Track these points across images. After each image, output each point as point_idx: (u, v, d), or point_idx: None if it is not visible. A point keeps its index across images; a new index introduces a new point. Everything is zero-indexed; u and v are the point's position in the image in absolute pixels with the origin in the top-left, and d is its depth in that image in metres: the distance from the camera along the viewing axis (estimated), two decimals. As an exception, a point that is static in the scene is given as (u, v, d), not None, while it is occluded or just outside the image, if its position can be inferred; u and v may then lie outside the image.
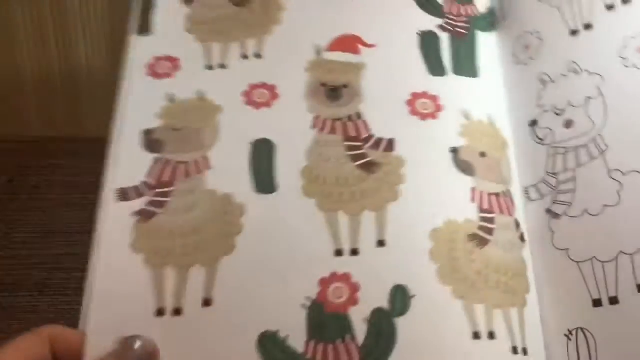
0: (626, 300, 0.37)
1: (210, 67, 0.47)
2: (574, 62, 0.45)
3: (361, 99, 0.45)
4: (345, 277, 0.37)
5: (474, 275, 0.38)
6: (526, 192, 0.44)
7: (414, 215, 0.40)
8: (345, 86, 0.45)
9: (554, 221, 0.41)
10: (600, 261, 0.38)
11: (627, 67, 0.43)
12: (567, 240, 0.40)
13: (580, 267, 0.39)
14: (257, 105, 0.44)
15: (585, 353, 0.37)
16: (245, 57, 0.47)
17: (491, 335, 0.37)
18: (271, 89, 0.45)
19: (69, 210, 0.68)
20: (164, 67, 0.46)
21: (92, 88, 0.76)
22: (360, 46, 0.47)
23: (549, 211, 0.42)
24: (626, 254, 0.38)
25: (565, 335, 0.38)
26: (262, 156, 0.42)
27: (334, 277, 0.37)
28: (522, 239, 0.42)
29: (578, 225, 0.40)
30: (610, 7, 0.45)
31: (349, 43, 0.47)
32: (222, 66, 0.47)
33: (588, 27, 0.46)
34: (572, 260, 0.40)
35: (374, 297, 0.37)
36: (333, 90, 0.45)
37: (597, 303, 0.38)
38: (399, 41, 0.48)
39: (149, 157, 0.42)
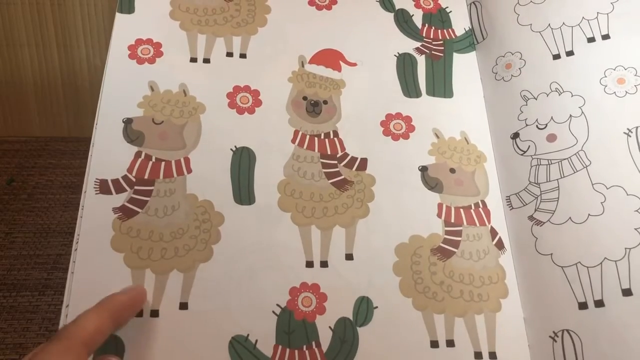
0: (612, 303, 0.42)
1: (194, 60, 0.51)
2: (557, 83, 0.50)
3: (339, 117, 0.50)
4: (314, 288, 0.43)
5: (436, 287, 0.44)
6: (508, 200, 0.49)
7: (381, 231, 0.46)
8: (325, 102, 0.50)
9: (537, 227, 0.47)
10: (585, 266, 0.44)
11: (607, 93, 0.48)
12: (550, 246, 0.46)
13: (565, 271, 0.44)
14: (240, 110, 0.49)
15: (572, 354, 0.42)
16: (230, 54, 0.52)
17: (450, 343, 0.43)
18: (255, 94, 0.50)
19: (69, 210, 0.71)
20: (145, 50, 0.50)
21: (92, 88, 0.79)
22: (342, 63, 0.53)
23: (531, 218, 0.47)
24: (611, 260, 0.43)
25: (551, 337, 0.43)
26: (243, 165, 0.46)
27: (304, 286, 0.43)
28: (499, 246, 0.47)
29: (562, 232, 0.45)
30: (590, 40, 0.51)
31: (331, 58, 0.53)
32: (207, 61, 0.51)
33: (570, 53, 0.51)
34: (557, 264, 0.45)
35: (339, 307, 0.43)
36: (314, 104, 0.50)
37: (582, 306, 0.43)
38: (378, 61, 0.53)
39: (129, 149, 0.46)
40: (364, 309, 0.43)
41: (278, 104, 0.50)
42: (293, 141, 0.48)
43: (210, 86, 0.49)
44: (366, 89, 0.52)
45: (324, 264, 0.44)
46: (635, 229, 0.43)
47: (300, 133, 0.49)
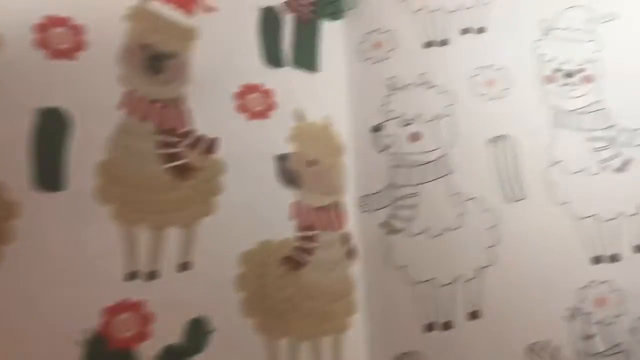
0: (460, 325, 0.39)
1: None
2: (426, 75, 0.45)
3: (188, 78, 0.38)
4: (138, 306, 0.33)
5: (283, 304, 0.37)
6: (363, 202, 0.43)
7: (226, 234, 0.37)
8: (172, 56, 0.38)
9: (392, 236, 0.41)
10: (437, 283, 0.40)
11: (477, 95, 0.44)
12: (403, 258, 0.41)
13: (416, 288, 0.40)
14: (55, 53, 0.34)
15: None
16: None
17: (293, 370, 0.36)
18: (76, 31, 0.36)
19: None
20: None
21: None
22: (195, 4, 0.40)
23: (386, 224, 0.42)
24: (463, 278, 0.40)
25: (398, 358, 0.39)
26: (51, 135, 0.33)
27: (124, 305, 0.33)
28: (350, 254, 0.41)
29: (417, 243, 0.41)
30: (465, 31, 0.46)
31: None
32: None
33: (443, 43, 0.46)
34: (408, 280, 0.40)
35: (169, 331, 0.33)
36: (156, 57, 0.38)
37: (429, 327, 0.39)
38: (239, 12, 0.42)
39: None
40: (198, 332, 0.34)
41: (107, 51, 0.36)
42: (122, 106, 0.36)
43: (11, 10, 0.34)
44: (222, 47, 0.41)
45: (152, 275, 0.34)
46: (489, 247, 0.40)
47: (134, 96, 0.36)
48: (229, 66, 0.40)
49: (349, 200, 0.43)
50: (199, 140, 0.37)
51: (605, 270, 0.40)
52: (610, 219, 0.41)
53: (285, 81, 0.42)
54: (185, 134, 0.37)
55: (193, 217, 0.36)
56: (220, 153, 0.38)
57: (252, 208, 0.38)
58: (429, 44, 0.46)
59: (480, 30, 0.45)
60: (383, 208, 0.42)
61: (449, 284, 0.40)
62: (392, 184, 0.42)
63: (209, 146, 0.38)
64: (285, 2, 0.44)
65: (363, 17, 0.47)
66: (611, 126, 0.42)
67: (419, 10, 0.46)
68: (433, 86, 0.44)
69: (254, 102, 0.40)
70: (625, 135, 0.42)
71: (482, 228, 0.41)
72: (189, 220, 0.36)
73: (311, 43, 0.45)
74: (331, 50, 0.46)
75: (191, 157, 0.37)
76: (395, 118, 0.44)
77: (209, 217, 0.36)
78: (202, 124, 0.38)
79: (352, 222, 0.42)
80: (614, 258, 0.40)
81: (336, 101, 0.45)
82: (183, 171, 0.36)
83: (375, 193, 0.43)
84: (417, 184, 0.42)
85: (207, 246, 0.36)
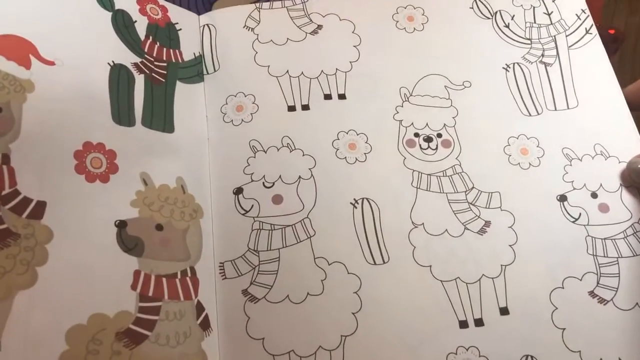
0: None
1: None
2: (289, 138, 0.43)
3: (16, 134, 0.34)
4: None
5: (118, 386, 0.32)
6: (221, 268, 0.39)
7: (49, 308, 0.31)
8: (-3, 110, 0.34)
9: (251, 305, 0.38)
10: (298, 355, 0.36)
11: (339, 158, 0.43)
12: (263, 329, 0.37)
13: None
14: None
15: None
16: None
17: None
18: None
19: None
20: None
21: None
22: (32, 57, 0.37)
23: (246, 292, 0.38)
24: (325, 349, 0.37)
25: None
26: None
27: None
28: (204, 325, 0.37)
29: (277, 312, 0.38)
30: (327, 97, 0.45)
31: (18, 48, 0.36)
32: None
33: (305, 107, 0.45)
34: (268, 352, 0.36)
35: None
36: None
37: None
38: (86, 66, 0.39)
39: None
40: None
41: None
42: None
43: None
44: (62, 100, 0.37)
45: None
46: (353, 312, 0.38)
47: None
48: (71, 119, 0.36)
49: (208, 265, 0.39)
50: (26, 203, 0.33)
51: (471, 334, 0.38)
52: (474, 282, 0.39)
53: (133, 141, 0.39)
54: (10, 196, 0.32)
55: (9, 289, 0.30)
56: (50, 218, 0.33)
57: (84, 279, 0.33)
58: (291, 108, 0.44)
59: (342, 97, 0.45)
60: (244, 275, 0.39)
61: (310, 355, 0.36)
62: (253, 249, 0.40)
63: (36, 210, 0.33)
64: (135, 64, 0.41)
65: (224, 80, 0.46)
66: (470, 189, 0.42)
67: (282, 75, 0.45)
68: (295, 149, 0.43)
69: (95, 163, 0.36)
70: (482, 199, 0.42)
71: (345, 293, 0.38)
72: (4, 293, 0.30)
73: (164, 104, 0.42)
74: (189, 112, 0.43)
75: (14, 222, 0.32)
76: (257, 180, 0.42)
77: (29, 289, 0.31)
78: (32, 185, 0.33)
79: (211, 290, 0.38)
80: (479, 322, 0.38)
81: (193, 163, 0.42)
82: (2, 238, 0.31)
83: (236, 258, 0.39)
84: (279, 248, 0.39)
85: (24, 322, 0.30)
